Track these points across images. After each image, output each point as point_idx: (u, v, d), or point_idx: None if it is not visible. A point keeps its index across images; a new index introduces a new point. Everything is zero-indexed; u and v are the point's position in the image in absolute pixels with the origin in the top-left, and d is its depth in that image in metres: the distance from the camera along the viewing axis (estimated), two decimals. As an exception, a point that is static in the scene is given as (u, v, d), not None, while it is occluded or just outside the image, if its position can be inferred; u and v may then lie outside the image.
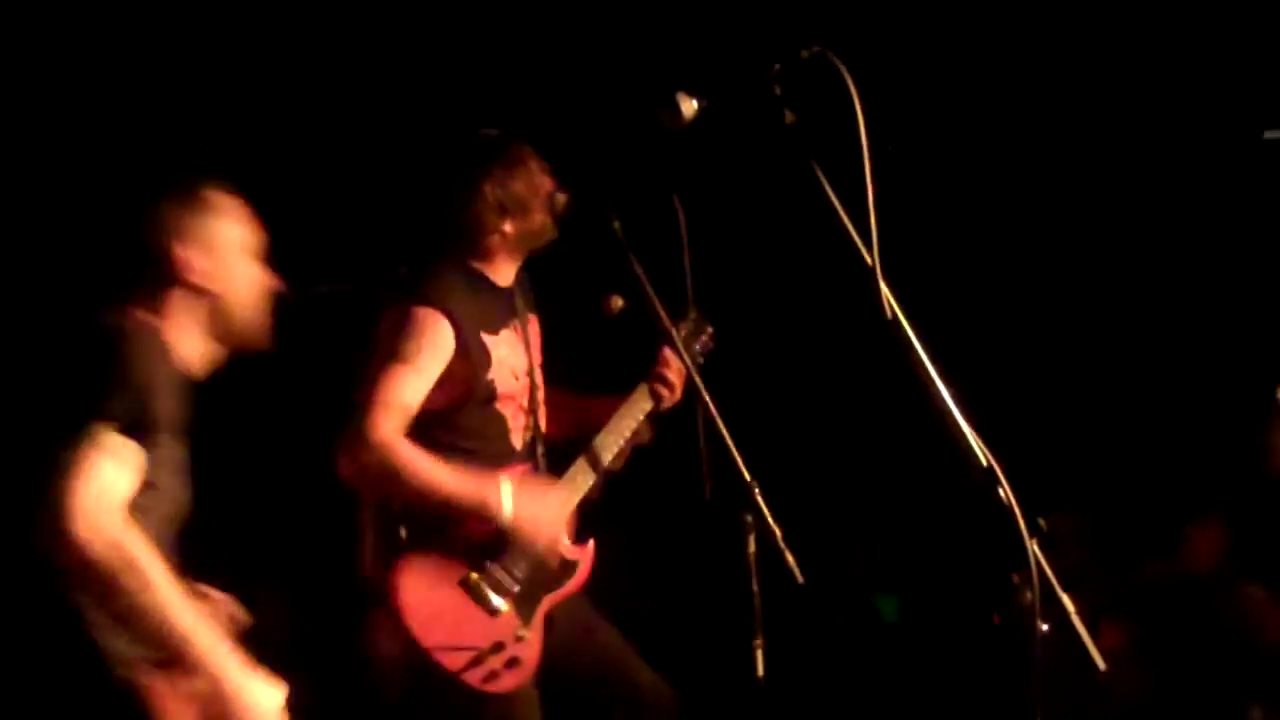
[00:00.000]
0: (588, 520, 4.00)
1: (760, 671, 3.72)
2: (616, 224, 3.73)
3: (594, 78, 5.30)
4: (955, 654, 5.19)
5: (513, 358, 3.92)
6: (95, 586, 2.69)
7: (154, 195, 3.06)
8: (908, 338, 2.80)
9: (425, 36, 5.39)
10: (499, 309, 3.93)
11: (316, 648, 4.43)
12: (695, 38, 5.18)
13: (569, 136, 4.34)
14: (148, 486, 2.81)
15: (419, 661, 3.65)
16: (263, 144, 5.30)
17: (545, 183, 3.90)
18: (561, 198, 3.90)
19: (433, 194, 3.98)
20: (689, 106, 3.11)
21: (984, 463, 2.72)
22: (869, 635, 5.54)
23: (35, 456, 2.72)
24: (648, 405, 4.07)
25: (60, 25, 5.08)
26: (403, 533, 3.76)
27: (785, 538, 3.41)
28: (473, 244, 3.90)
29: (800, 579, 3.43)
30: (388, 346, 3.72)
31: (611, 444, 4.00)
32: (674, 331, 3.78)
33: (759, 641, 3.73)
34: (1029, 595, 2.67)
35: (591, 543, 3.99)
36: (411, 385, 3.69)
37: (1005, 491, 2.68)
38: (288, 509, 4.92)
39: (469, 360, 3.78)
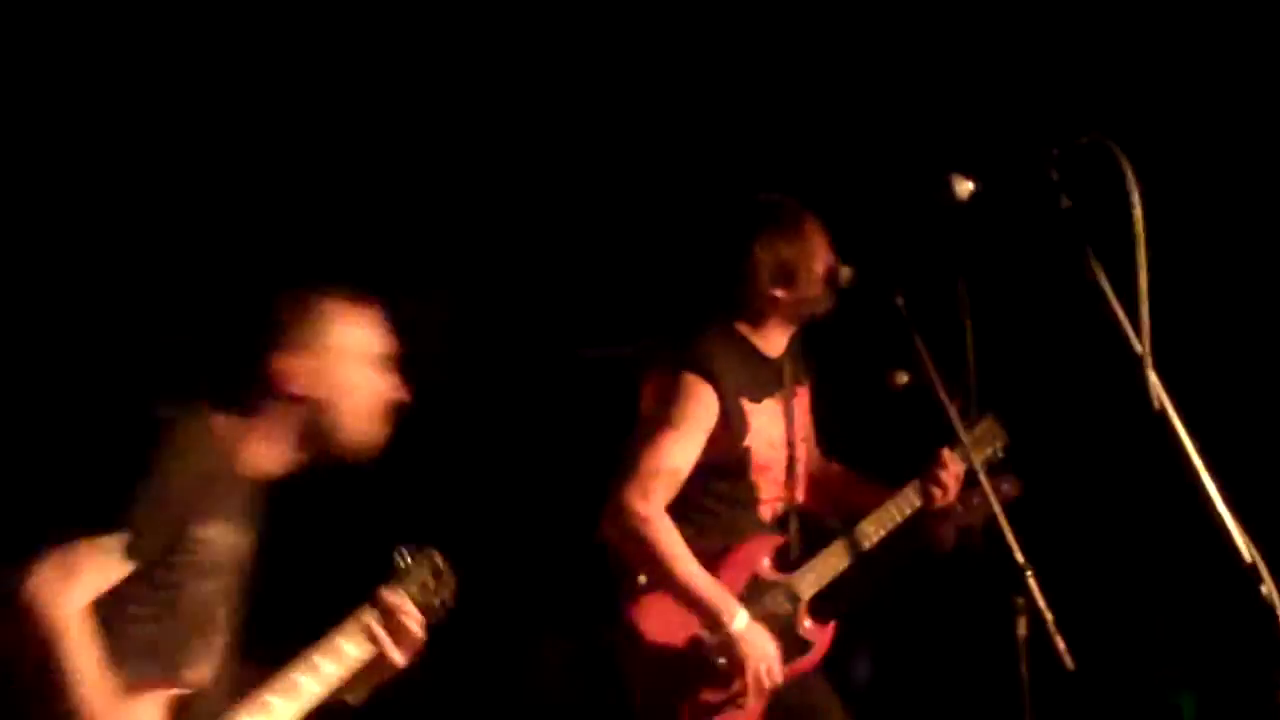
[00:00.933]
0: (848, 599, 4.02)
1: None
2: (900, 300, 3.73)
3: (880, 153, 5.33)
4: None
5: (772, 427, 3.92)
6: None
7: (267, 301, 2.97)
8: (1175, 428, 2.78)
9: (716, 106, 5.49)
10: (765, 378, 3.93)
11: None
12: (978, 118, 5.18)
13: (855, 210, 4.35)
14: (169, 588, 2.82)
15: (650, 704, 3.74)
16: (532, 206, 5.47)
17: (823, 252, 3.88)
18: (847, 271, 3.89)
19: (705, 255, 4.02)
20: (963, 188, 3.14)
21: (1248, 558, 2.68)
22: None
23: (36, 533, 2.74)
24: (917, 502, 4.02)
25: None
26: (641, 579, 3.82)
27: (1057, 623, 3.39)
28: (742, 308, 3.91)
29: (1070, 665, 3.40)
30: (656, 412, 3.79)
31: (873, 533, 3.98)
32: (952, 408, 3.75)
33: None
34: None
35: (832, 625, 3.97)
36: (680, 452, 3.74)
37: (1269, 587, 2.64)
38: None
39: (729, 428, 3.81)
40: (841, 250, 3.95)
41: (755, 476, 3.89)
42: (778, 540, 3.92)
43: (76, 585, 2.68)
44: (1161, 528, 4.90)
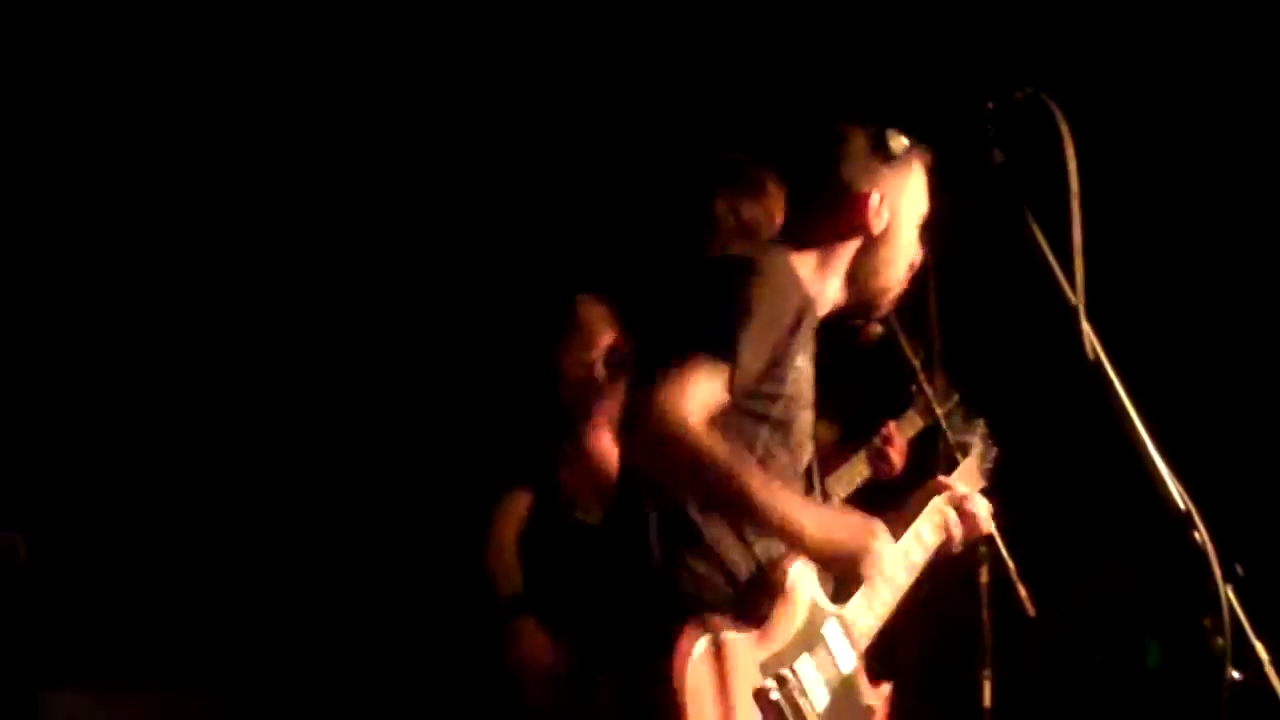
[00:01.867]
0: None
1: (987, 703, 3.70)
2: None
3: (814, 111, 5.34)
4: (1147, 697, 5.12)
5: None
6: (683, 483, 2.86)
7: (868, 139, 3.19)
8: (1109, 379, 2.80)
9: (658, 64, 5.50)
10: None
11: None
12: (910, 75, 5.20)
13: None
14: (784, 423, 2.99)
15: None
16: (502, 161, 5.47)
17: (782, 208, 3.87)
18: None
19: (667, 214, 4.01)
20: (898, 143, 3.16)
21: (1181, 505, 2.71)
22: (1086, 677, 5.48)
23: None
24: (865, 473, 4.05)
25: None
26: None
27: (1019, 570, 3.43)
28: None
29: (1032, 611, 3.44)
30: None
31: (837, 497, 3.99)
32: (916, 363, 3.76)
33: (987, 674, 3.72)
34: (1220, 641, 2.65)
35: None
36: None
37: (1201, 535, 2.67)
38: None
39: None
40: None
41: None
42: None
43: (693, 397, 2.79)
44: (1101, 476, 4.94)
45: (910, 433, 4.21)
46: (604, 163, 5.49)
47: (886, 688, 3.30)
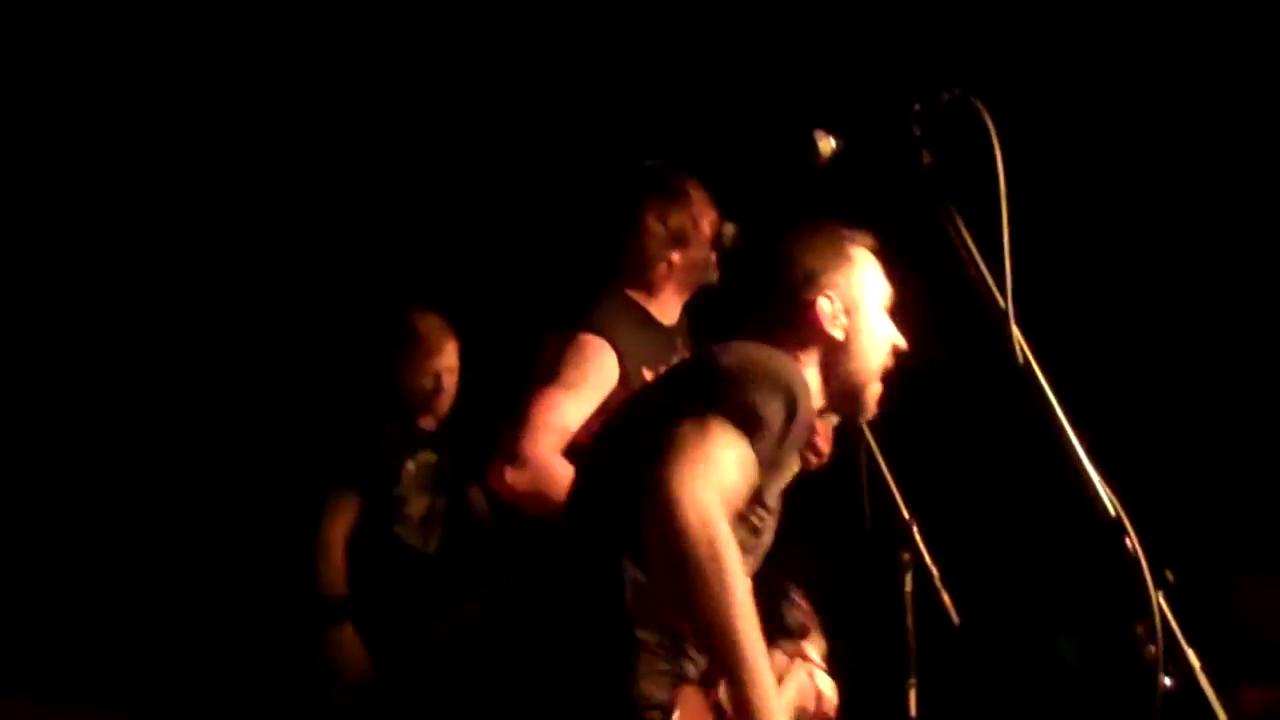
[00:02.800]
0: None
1: (913, 711, 3.69)
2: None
3: (739, 113, 5.33)
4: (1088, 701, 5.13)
5: None
6: (677, 575, 2.50)
7: (803, 243, 3.05)
8: (1039, 383, 2.78)
9: (581, 72, 5.47)
10: (661, 346, 3.92)
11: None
12: (838, 76, 5.19)
13: (722, 172, 4.36)
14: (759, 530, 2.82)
15: None
16: (429, 173, 5.43)
17: (710, 215, 3.90)
18: (730, 228, 3.91)
19: (596, 225, 4.00)
20: (826, 145, 3.12)
21: (1111, 511, 2.69)
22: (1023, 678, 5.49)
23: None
24: (796, 467, 4.05)
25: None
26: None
27: (943, 577, 3.41)
28: (638, 276, 3.91)
29: (956, 619, 3.42)
30: (551, 370, 3.74)
31: None
32: None
33: (913, 681, 3.70)
34: (1153, 649, 2.63)
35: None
36: (569, 409, 3.68)
37: (1132, 541, 2.65)
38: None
39: (629, 392, 3.76)
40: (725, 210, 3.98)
41: None
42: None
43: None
44: (1031, 482, 4.94)
45: (834, 420, 4.22)
46: (527, 174, 5.46)
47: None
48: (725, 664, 2.53)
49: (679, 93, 5.42)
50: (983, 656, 5.10)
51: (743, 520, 2.72)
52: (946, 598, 3.44)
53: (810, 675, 3.13)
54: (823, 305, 2.97)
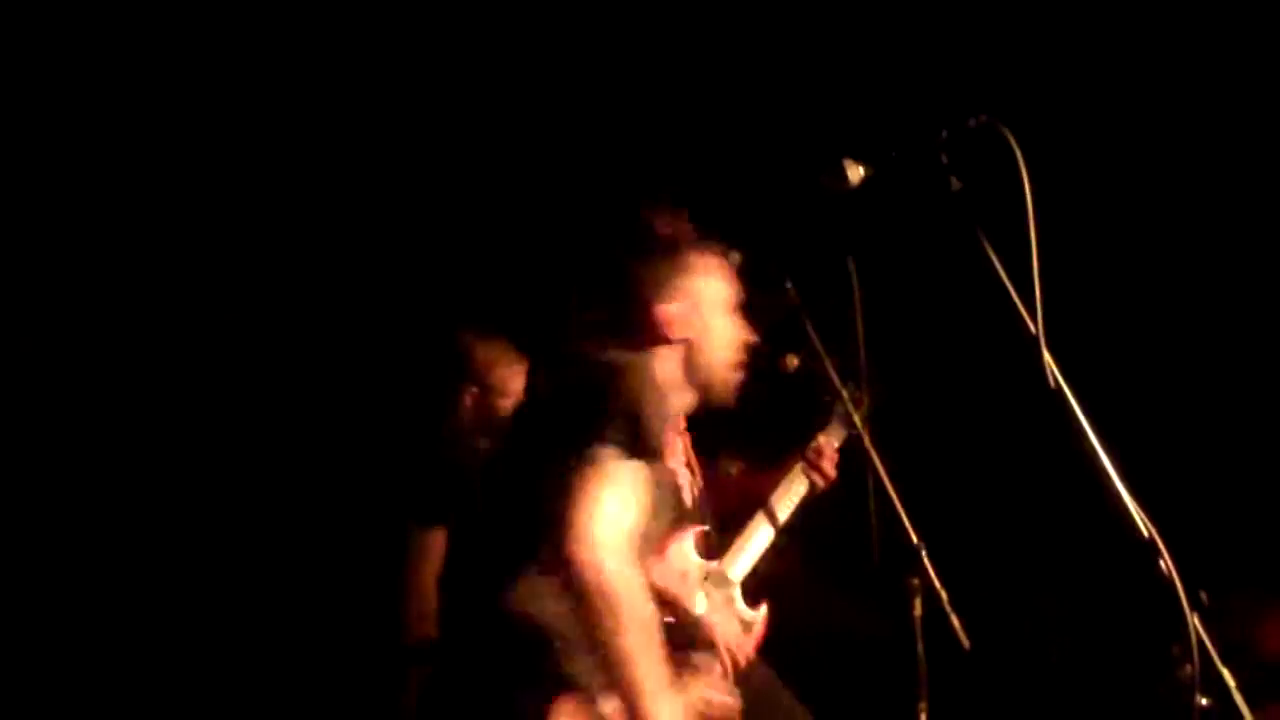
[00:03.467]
0: (763, 583, 4.01)
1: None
2: (790, 285, 3.76)
3: (769, 140, 5.35)
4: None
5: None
6: (591, 615, 2.76)
7: (635, 251, 3.29)
8: (1070, 407, 2.79)
9: (602, 102, 5.48)
10: None
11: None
12: (867, 103, 5.20)
13: (744, 197, 4.38)
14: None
15: None
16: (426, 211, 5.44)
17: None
18: (735, 256, 3.93)
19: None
20: (855, 173, 3.15)
21: (1145, 533, 2.70)
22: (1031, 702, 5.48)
23: (531, 485, 2.91)
24: (804, 489, 4.08)
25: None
26: None
27: (951, 601, 3.42)
28: None
29: (966, 643, 3.43)
30: None
31: (782, 514, 4.02)
32: (844, 393, 3.78)
33: (923, 705, 3.71)
34: (1189, 669, 2.64)
35: (765, 606, 3.96)
36: None
37: (1166, 563, 2.66)
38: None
39: None
40: (732, 238, 3.98)
41: (669, 461, 3.87)
42: (698, 528, 3.91)
43: (627, 540, 2.80)
44: (1058, 505, 4.94)
45: (837, 443, 4.23)
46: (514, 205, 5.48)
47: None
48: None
49: (708, 122, 5.43)
50: (993, 680, 5.09)
51: None
52: (956, 621, 3.44)
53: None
54: (665, 312, 3.22)
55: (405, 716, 4.48)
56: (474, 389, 4.70)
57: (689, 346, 3.24)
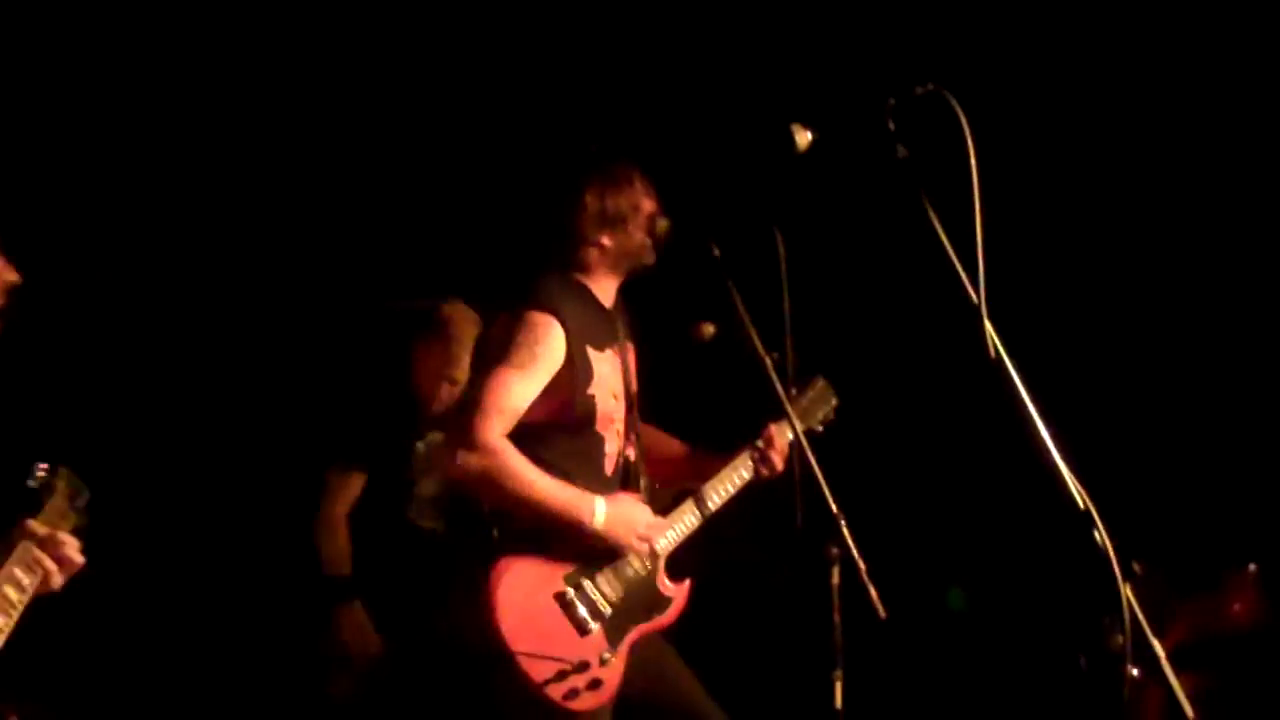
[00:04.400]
0: (685, 558, 4.03)
1: (839, 704, 3.71)
2: (716, 251, 3.76)
3: (708, 105, 5.34)
4: (1043, 695, 5.15)
5: (613, 378, 3.91)
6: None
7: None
8: (1010, 377, 2.80)
9: (537, 59, 5.46)
10: (603, 327, 3.92)
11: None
12: (812, 70, 5.20)
13: (678, 162, 4.37)
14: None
15: (504, 664, 3.63)
16: (374, 153, 5.41)
17: (648, 203, 3.92)
18: (664, 222, 3.92)
19: (536, 201, 4.02)
20: (803, 137, 3.14)
21: (1080, 504, 2.71)
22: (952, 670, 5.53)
23: None
24: (748, 475, 4.08)
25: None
26: (495, 534, 3.80)
27: (870, 572, 3.43)
28: (572, 255, 3.91)
29: (883, 613, 3.44)
30: (499, 350, 3.74)
31: (716, 498, 4.02)
32: (767, 361, 3.77)
33: (839, 674, 3.73)
34: (1120, 639, 2.66)
35: (688, 582, 3.99)
36: (520, 390, 3.70)
37: (1100, 534, 2.68)
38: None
39: (574, 373, 3.79)
40: (665, 203, 3.99)
41: (600, 428, 3.88)
42: (624, 494, 3.91)
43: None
44: (996, 475, 4.97)
45: (790, 435, 4.24)
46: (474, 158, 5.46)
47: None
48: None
49: (655, 86, 5.41)
50: (909, 650, 5.12)
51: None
52: (873, 592, 3.45)
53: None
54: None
55: (328, 655, 4.55)
56: (440, 352, 4.74)
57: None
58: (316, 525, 4.66)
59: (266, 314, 5.40)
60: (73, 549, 3.09)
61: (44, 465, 3.15)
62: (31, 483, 3.10)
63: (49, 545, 3.07)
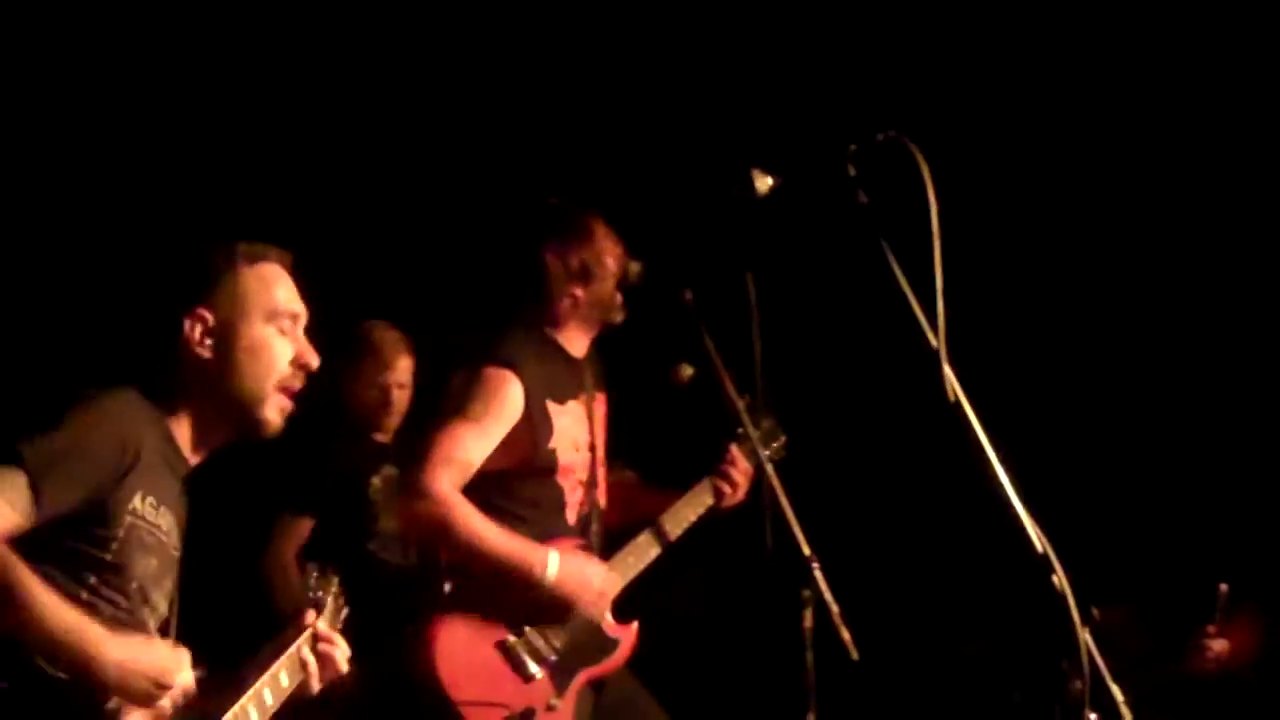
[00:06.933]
0: (641, 596, 4.02)
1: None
2: (689, 295, 3.77)
3: (675, 151, 5.36)
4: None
5: (575, 429, 3.92)
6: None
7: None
8: (969, 421, 2.81)
9: (505, 106, 5.46)
10: (569, 379, 3.94)
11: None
12: (775, 116, 5.22)
13: (648, 208, 4.38)
14: (116, 566, 2.67)
15: (446, 715, 3.66)
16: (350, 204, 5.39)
17: (613, 251, 3.93)
18: (636, 266, 3.94)
19: (498, 260, 4.03)
20: (763, 183, 3.16)
21: (1039, 549, 2.72)
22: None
23: None
24: (709, 500, 4.08)
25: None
26: (446, 587, 3.79)
27: (842, 614, 3.43)
28: (544, 310, 3.93)
29: (855, 655, 3.44)
30: (456, 403, 3.76)
31: (671, 531, 4.03)
32: (739, 404, 3.78)
33: (811, 717, 3.72)
34: (1079, 684, 2.66)
35: (635, 624, 4.00)
36: (475, 444, 3.73)
37: (1059, 579, 2.68)
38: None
39: (532, 428, 3.80)
40: (633, 248, 3.99)
41: (560, 479, 3.88)
42: (578, 543, 3.90)
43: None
44: (955, 519, 4.97)
45: (752, 460, 4.24)
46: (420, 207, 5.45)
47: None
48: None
49: (617, 132, 5.43)
50: (881, 693, 5.11)
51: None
52: (846, 634, 3.45)
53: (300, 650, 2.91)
54: (192, 326, 2.78)
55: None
56: (368, 373, 4.72)
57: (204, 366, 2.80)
58: (268, 568, 4.64)
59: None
60: (344, 655, 2.88)
61: (316, 564, 2.95)
62: (311, 582, 2.91)
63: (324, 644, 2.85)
